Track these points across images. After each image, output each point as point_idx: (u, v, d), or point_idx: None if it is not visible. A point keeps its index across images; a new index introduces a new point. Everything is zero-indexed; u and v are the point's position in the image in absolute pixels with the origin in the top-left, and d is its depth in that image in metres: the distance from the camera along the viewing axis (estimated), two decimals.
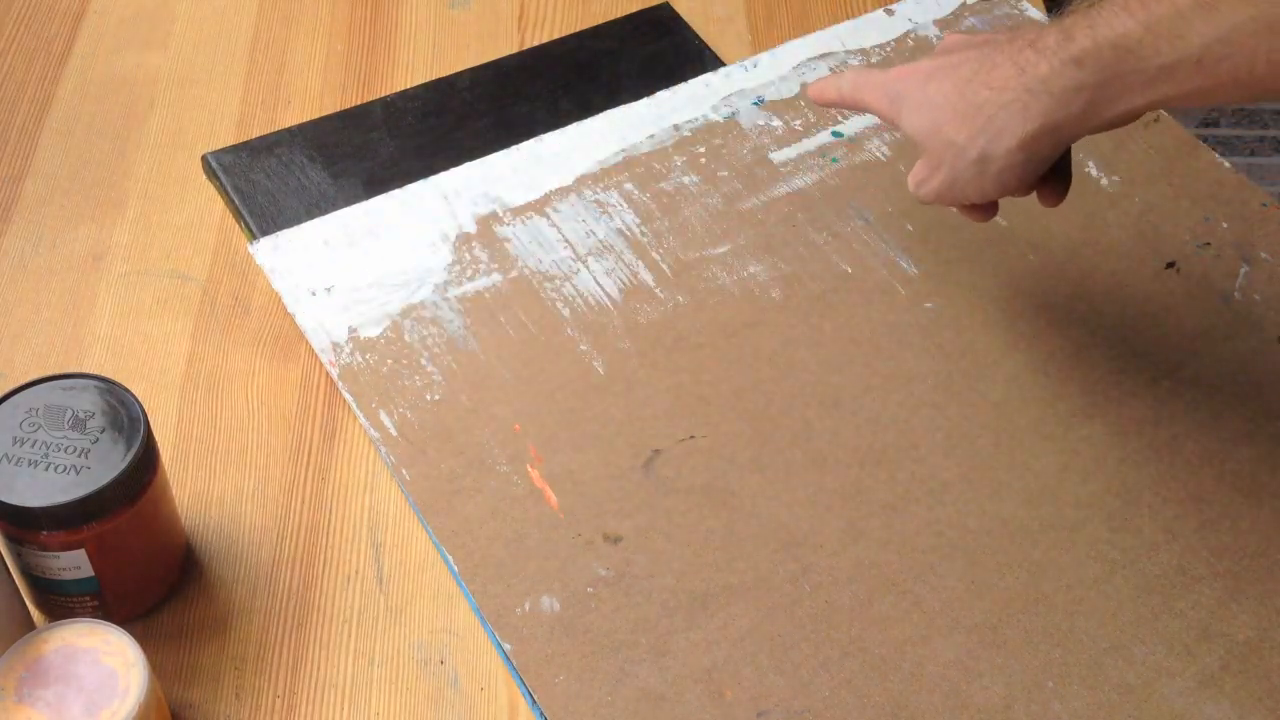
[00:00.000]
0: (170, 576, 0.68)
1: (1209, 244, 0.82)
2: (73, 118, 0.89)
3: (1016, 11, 0.94)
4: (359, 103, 0.90)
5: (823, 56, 0.91)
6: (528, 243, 0.81)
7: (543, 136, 0.86)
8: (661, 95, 0.89)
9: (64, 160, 0.87)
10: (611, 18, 0.95)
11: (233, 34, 0.94)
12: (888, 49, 0.92)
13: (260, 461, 0.73)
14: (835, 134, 0.87)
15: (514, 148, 0.86)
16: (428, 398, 0.74)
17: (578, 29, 0.94)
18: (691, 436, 0.73)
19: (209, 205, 0.85)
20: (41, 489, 0.60)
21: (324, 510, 0.71)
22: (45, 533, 0.61)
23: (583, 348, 0.77)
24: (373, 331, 0.77)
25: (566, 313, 0.78)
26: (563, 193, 0.84)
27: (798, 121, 0.88)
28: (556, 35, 0.94)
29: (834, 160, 0.85)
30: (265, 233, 0.82)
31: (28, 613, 0.64)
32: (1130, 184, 0.85)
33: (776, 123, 0.87)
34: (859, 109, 0.73)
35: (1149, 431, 0.73)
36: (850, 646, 0.66)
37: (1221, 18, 0.57)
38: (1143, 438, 0.73)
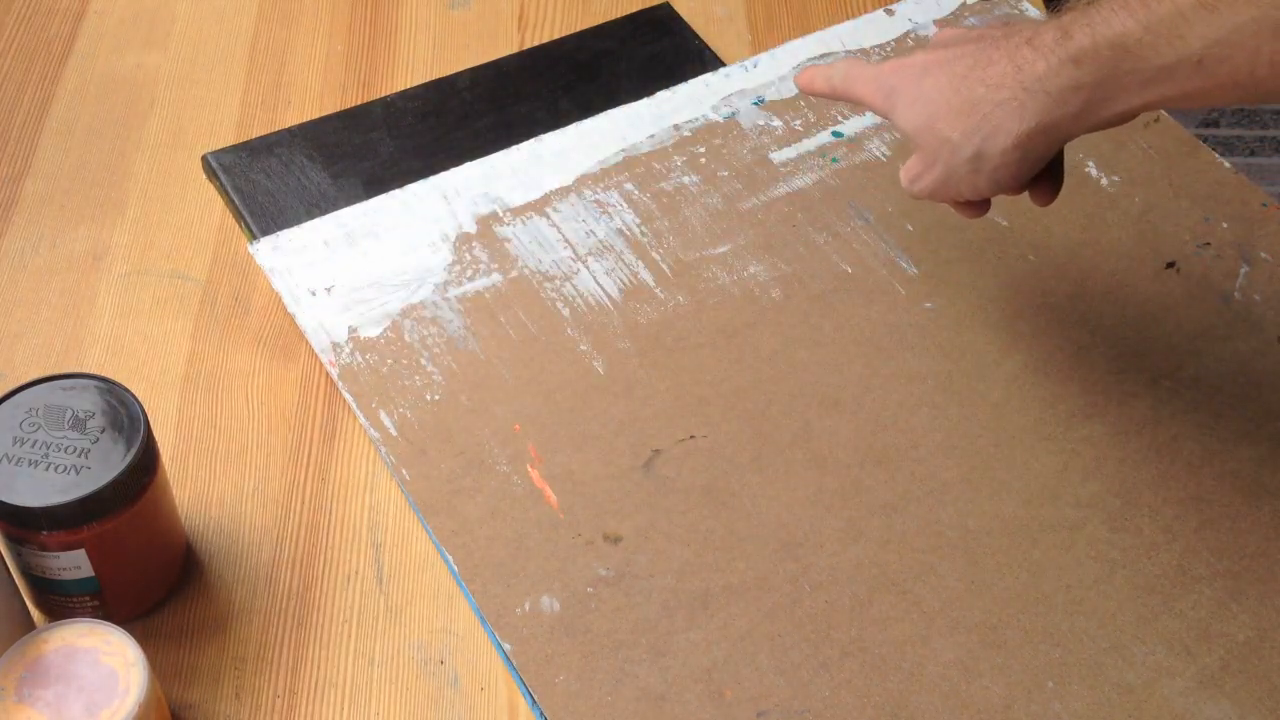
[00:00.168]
0: (170, 576, 0.68)
1: (1209, 244, 0.82)
2: (73, 118, 0.89)
3: (1016, 11, 0.94)
4: (359, 103, 0.90)
5: (823, 56, 0.91)
6: (528, 243, 0.81)
7: (543, 136, 0.86)
8: (661, 95, 0.89)
9: (64, 160, 0.87)
10: (611, 18, 0.95)
11: (233, 34, 0.94)
12: (888, 49, 0.92)
13: (260, 461, 0.73)
14: (835, 134, 0.87)
15: (514, 148, 0.86)
16: (428, 398, 0.74)
17: (578, 29, 0.94)
18: (691, 436, 0.73)
19: (209, 205, 0.85)
20: (41, 489, 0.60)
21: (324, 510, 0.71)
22: (45, 533, 0.61)
23: (583, 348, 0.77)
24: (373, 331, 0.77)
25: (566, 313, 0.78)
26: (563, 193, 0.84)
27: (798, 121, 0.88)
28: (556, 35, 0.94)
29: (834, 160, 0.85)
30: (265, 233, 0.82)
31: (28, 613, 0.64)
32: (1130, 184, 0.85)
33: (776, 123, 0.87)
34: (849, 100, 0.72)
35: (1149, 431, 0.73)
36: (850, 646, 0.66)
37: (1223, 19, 0.56)
38: (1143, 438, 0.73)
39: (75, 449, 0.62)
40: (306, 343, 0.77)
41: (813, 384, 0.75)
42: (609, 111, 0.88)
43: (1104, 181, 0.85)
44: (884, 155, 0.86)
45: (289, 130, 0.87)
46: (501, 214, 0.82)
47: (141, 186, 0.86)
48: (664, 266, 0.80)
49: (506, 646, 0.66)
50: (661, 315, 0.78)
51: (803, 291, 0.79)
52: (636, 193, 0.84)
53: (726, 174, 0.85)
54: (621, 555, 0.69)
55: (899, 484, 0.71)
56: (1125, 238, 0.82)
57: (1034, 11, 0.94)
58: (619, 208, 0.83)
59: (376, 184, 0.84)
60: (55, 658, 0.59)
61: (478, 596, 0.67)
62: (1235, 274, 0.80)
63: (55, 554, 0.62)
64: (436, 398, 0.74)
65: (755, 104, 0.88)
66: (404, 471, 0.71)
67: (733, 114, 0.88)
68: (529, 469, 0.72)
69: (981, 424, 0.74)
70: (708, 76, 0.90)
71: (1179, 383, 0.76)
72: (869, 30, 0.93)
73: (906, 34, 0.93)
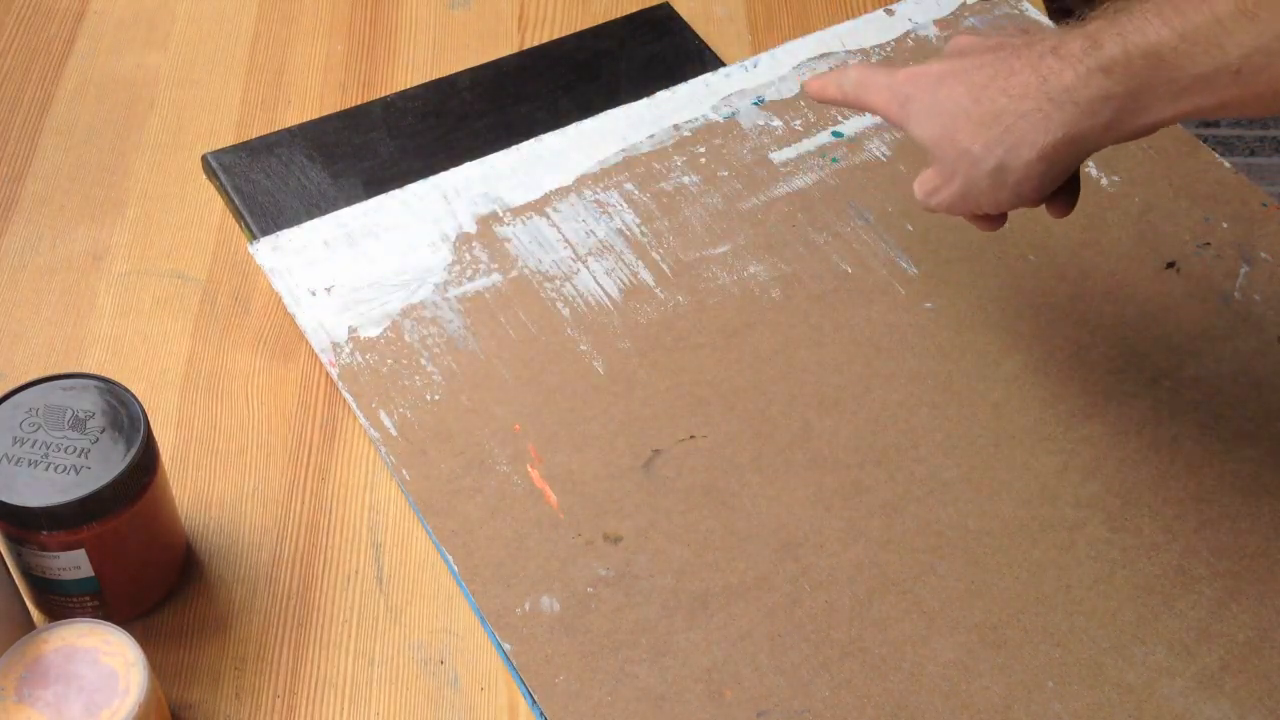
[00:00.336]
0: (170, 576, 0.68)
1: (1209, 244, 0.82)
2: (73, 118, 0.89)
3: (1016, 11, 0.94)
4: (359, 103, 0.90)
5: (823, 56, 0.91)
6: (528, 243, 0.81)
7: (543, 136, 0.86)
8: (661, 95, 0.89)
9: (64, 160, 0.87)
10: (611, 18, 0.95)
11: (233, 34, 0.94)
12: (888, 49, 0.92)
13: (260, 461, 0.73)
14: (835, 134, 0.87)
15: (514, 148, 0.86)
16: (428, 398, 0.74)
17: (578, 29, 0.94)
18: (691, 436, 0.73)
19: (209, 205, 0.85)
20: (41, 489, 0.60)
21: (324, 510, 0.71)
22: (45, 533, 0.61)
23: (583, 348, 0.77)
24: (373, 331, 0.77)
25: (566, 313, 0.78)
26: (563, 193, 0.84)
27: (798, 121, 0.88)
28: (556, 35, 0.94)
29: (834, 160, 0.85)
30: (265, 233, 0.82)
31: (28, 613, 0.64)
32: (1130, 184, 0.85)
33: (776, 123, 0.87)
34: (862, 109, 0.71)
35: (1149, 431, 0.73)
36: (850, 646, 0.66)
37: (1264, 26, 0.55)
38: (1143, 438, 0.73)
39: (75, 449, 0.62)
40: (306, 343, 0.77)
41: (813, 384, 0.75)
42: (609, 111, 0.88)
43: (1104, 181, 0.85)
44: (884, 155, 0.86)
45: (289, 130, 0.87)
46: (501, 214, 0.82)
47: (141, 186, 0.86)
48: (664, 266, 0.80)
49: (506, 646, 0.66)
50: (661, 315, 0.78)
51: (803, 291, 0.79)
52: (636, 193, 0.84)
53: (726, 174, 0.85)
54: (621, 555, 0.69)
55: (899, 484, 0.71)
56: (1125, 238, 0.82)
57: (1034, 11, 0.94)
58: (619, 208, 0.83)
59: (376, 184, 0.84)
60: (55, 658, 0.59)
61: (478, 596, 0.67)
62: (1235, 274, 0.80)
63: (55, 554, 0.62)
64: (436, 398, 0.74)
65: (755, 104, 0.88)
66: (404, 471, 0.71)
67: (733, 114, 0.88)
68: (529, 469, 0.72)
69: (981, 424, 0.74)
70: (708, 76, 0.90)
71: (1179, 383, 0.76)
72: (869, 30, 0.93)
73: (906, 34, 0.93)
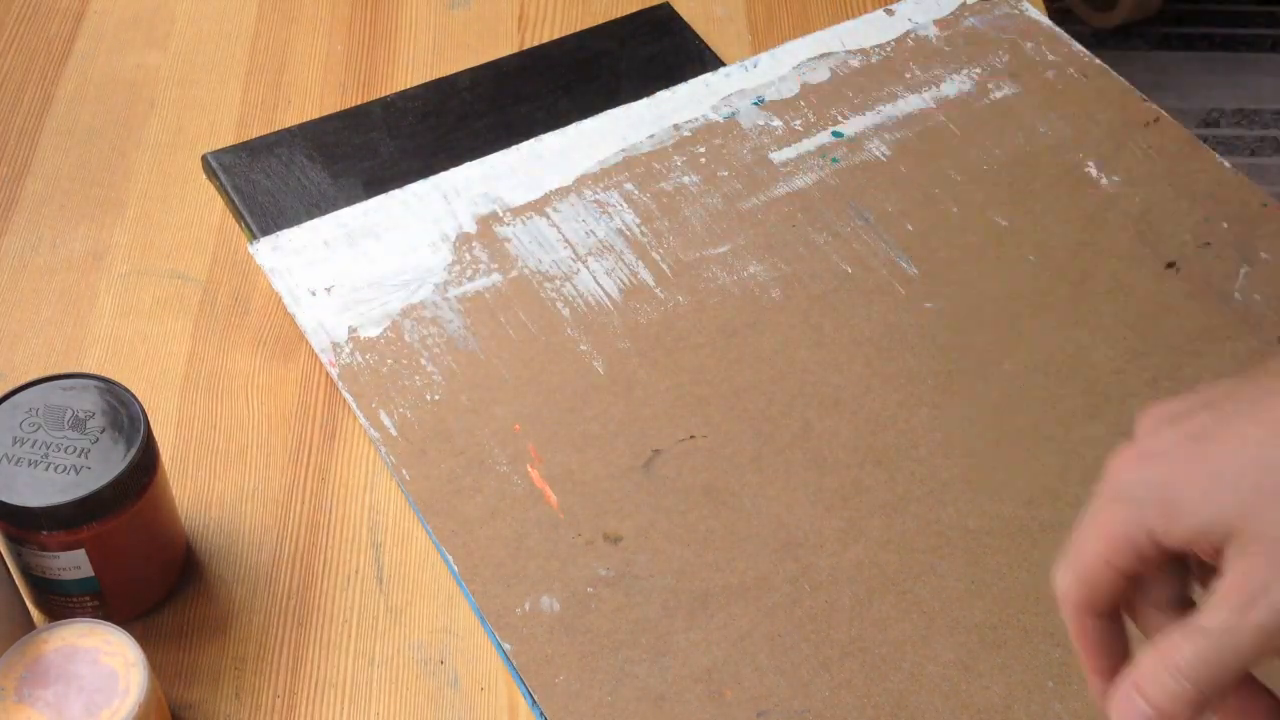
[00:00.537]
0: (170, 576, 0.68)
1: (1209, 244, 0.82)
2: (73, 118, 0.89)
3: (1016, 12, 0.94)
4: (359, 103, 0.90)
5: (823, 56, 0.91)
6: (528, 243, 0.81)
7: (543, 136, 0.86)
8: (661, 95, 0.89)
9: (64, 160, 0.87)
10: (611, 18, 0.95)
11: (233, 34, 0.94)
12: (888, 49, 0.92)
13: (260, 461, 0.73)
14: (835, 134, 0.87)
15: (514, 148, 0.86)
16: (428, 398, 0.74)
17: (578, 29, 0.94)
18: (691, 436, 0.73)
19: (209, 205, 0.85)
20: (41, 489, 0.60)
21: (324, 510, 0.71)
22: (45, 533, 0.61)
23: (583, 348, 0.77)
24: (373, 331, 0.77)
25: (566, 313, 0.78)
26: (563, 193, 0.84)
27: (798, 121, 0.88)
28: (556, 35, 0.94)
29: (834, 160, 0.85)
30: (265, 233, 0.82)
31: (28, 613, 0.64)
32: (1130, 184, 0.85)
33: (776, 123, 0.87)
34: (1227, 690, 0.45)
35: None
36: (850, 646, 0.66)
37: None
38: None
39: (75, 449, 0.62)
40: (306, 343, 0.77)
41: (813, 384, 0.75)
42: (609, 111, 0.88)
43: (1104, 181, 0.85)
44: (884, 155, 0.86)
45: (289, 130, 0.87)
46: (501, 214, 0.82)
47: (141, 186, 0.86)
48: (664, 266, 0.80)
49: (506, 646, 0.66)
50: (661, 315, 0.78)
51: (803, 291, 0.79)
52: (636, 193, 0.84)
53: (726, 174, 0.85)
54: (621, 555, 0.69)
55: (899, 484, 0.71)
56: (1125, 238, 0.82)
57: (1034, 12, 0.94)
58: (619, 208, 0.83)
59: (376, 184, 0.85)
60: (55, 658, 0.59)
61: (478, 596, 0.67)
62: (1235, 274, 0.80)
63: (55, 554, 0.62)
64: (436, 398, 0.74)
65: (755, 104, 0.88)
66: (404, 471, 0.71)
67: (733, 114, 0.88)
68: (529, 469, 0.72)
69: (981, 424, 0.74)
70: (708, 76, 0.90)
71: (1179, 383, 0.76)
72: (869, 30, 0.93)
73: (906, 34, 0.93)
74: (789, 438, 0.73)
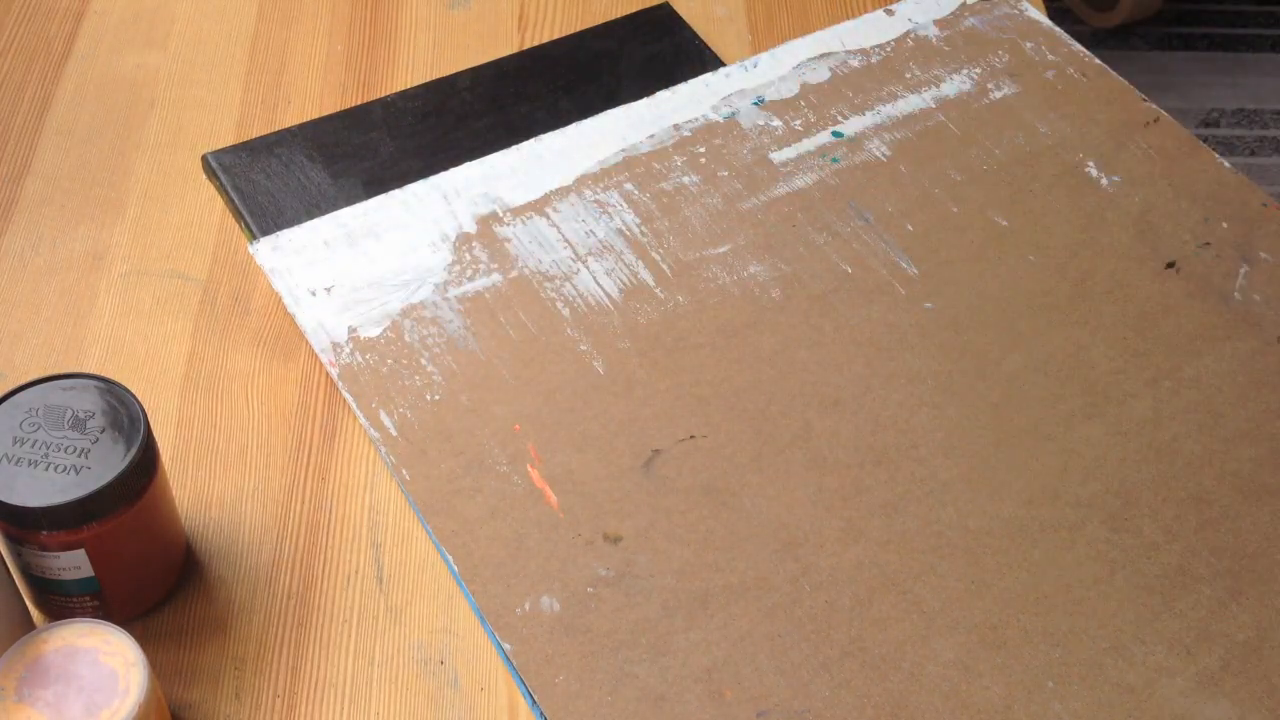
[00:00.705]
0: (170, 576, 0.68)
1: (1209, 244, 0.82)
2: (73, 118, 0.89)
3: (1016, 12, 0.94)
4: (359, 103, 0.90)
5: (823, 56, 0.91)
6: (528, 243, 0.81)
7: (543, 136, 0.86)
8: (661, 95, 0.89)
9: (64, 160, 0.87)
10: (611, 18, 0.95)
11: (233, 34, 0.94)
12: (888, 49, 0.92)
13: (260, 461, 0.73)
14: (835, 134, 0.87)
15: (514, 148, 0.86)
16: (428, 398, 0.74)
17: (578, 29, 0.94)
18: (691, 436, 0.73)
19: (209, 205, 0.85)
20: (41, 489, 0.60)
21: (324, 510, 0.71)
22: (45, 533, 0.61)
23: (583, 348, 0.77)
24: (373, 331, 0.77)
25: (566, 313, 0.78)
26: (563, 193, 0.84)
27: (798, 121, 0.88)
28: (556, 35, 0.94)
29: (834, 160, 0.85)
30: (265, 233, 0.82)
31: (28, 613, 0.64)
32: (1130, 184, 0.85)
33: (776, 123, 0.87)
34: None
35: (1149, 431, 0.73)
36: (850, 646, 0.66)
37: None
38: (1143, 438, 0.73)
39: (75, 449, 0.62)
40: (306, 343, 0.78)
41: (813, 384, 0.75)
42: (609, 111, 0.88)
43: (1104, 181, 0.85)
44: (884, 155, 0.86)
45: (289, 130, 0.87)
46: (501, 214, 0.82)
47: (141, 186, 0.86)
48: (664, 266, 0.80)
49: (506, 646, 0.66)
50: (661, 315, 0.78)
51: (803, 291, 0.79)
52: (636, 193, 0.84)
53: (726, 174, 0.85)
54: (621, 555, 0.69)
55: (899, 484, 0.71)
56: (1125, 238, 0.82)
57: (1034, 12, 0.94)
58: (619, 208, 0.83)
59: (376, 184, 0.85)
60: (55, 658, 0.59)
61: (478, 596, 0.67)
62: (1235, 274, 0.80)
63: (55, 554, 0.62)
64: (436, 398, 0.74)
65: (755, 104, 0.88)
66: (404, 471, 0.71)
67: (733, 114, 0.88)
68: (529, 469, 0.72)
69: (981, 424, 0.74)
70: (708, 76, 0.90)
71: (1179, 383, 0.76)
72: (869, 30, 0.93)
73: (906, 34, 0.93)
74: (789, 438, 0.73)
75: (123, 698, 0.58)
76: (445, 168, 0.85)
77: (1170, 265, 0.81)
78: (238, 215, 0.83)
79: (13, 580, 0.63)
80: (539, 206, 0.83)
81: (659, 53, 0.93)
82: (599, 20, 0.95)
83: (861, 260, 0.81)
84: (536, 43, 0.94)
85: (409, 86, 0.91)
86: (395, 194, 0.83)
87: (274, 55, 0.93)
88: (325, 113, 0.89)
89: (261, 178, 0.85)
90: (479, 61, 0.92)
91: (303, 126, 0.88)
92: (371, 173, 0.85)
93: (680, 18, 0.95)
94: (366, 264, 0.80)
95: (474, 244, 0.81)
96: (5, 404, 0.63)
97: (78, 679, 0.59)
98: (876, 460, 0.72)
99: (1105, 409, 0.74)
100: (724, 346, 0.77)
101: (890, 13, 0.94)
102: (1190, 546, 0.69)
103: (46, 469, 0.61)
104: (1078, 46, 0.92)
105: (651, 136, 0.87)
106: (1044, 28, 0.93)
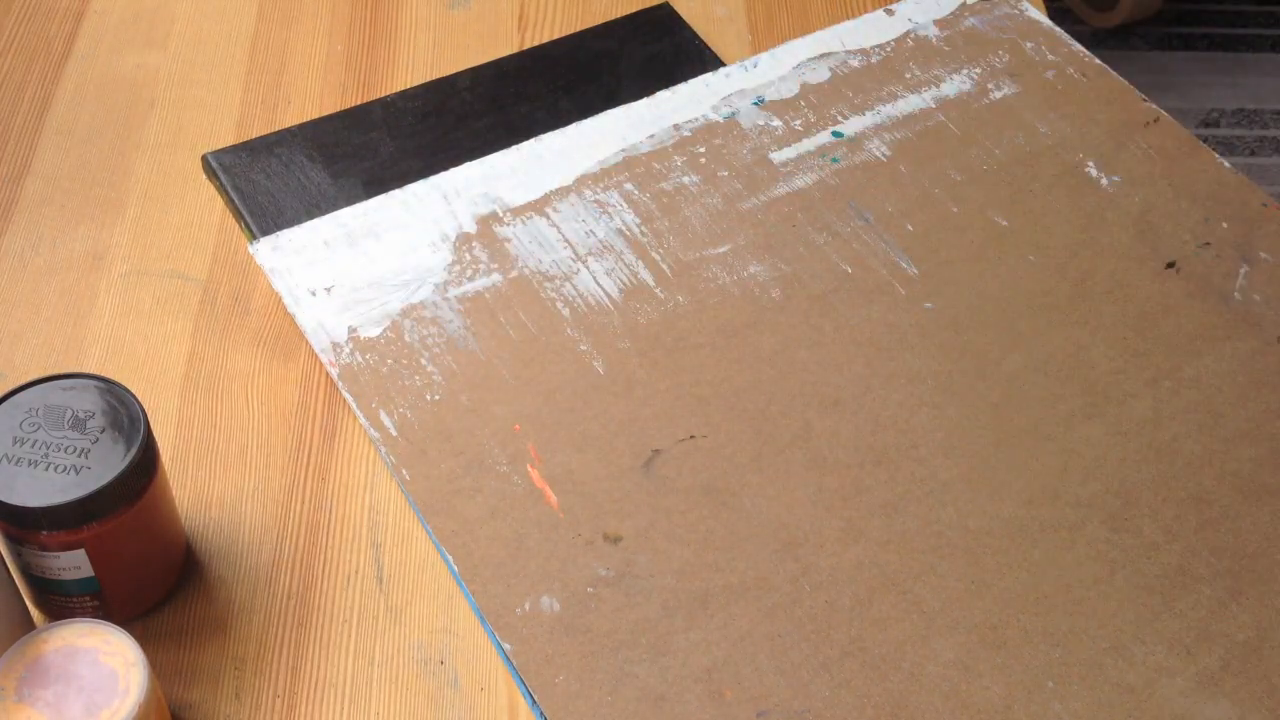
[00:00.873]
0: (170, 576, 0.68)
1: (1209, 244, 0.82)
2: (73, 118, 0.89)
3: (1016, 12, 0.94)
4: (359, 103, 0.90)
5: (823, 56, 0.91)
6: (528, 243, 0.81)
7: (543, 136, 0.86)
8: (661, 95, 0.89)
9: (64, 160, 0.87)
10: (611, 18, 0.95)
11: (233, 34, 0.94)
12: (888, 49, 0.92)
13: (260, 461, 0.73)
14: (835, 134, 0.87)
15: (514, 148, 0.86)
16: (428, 398, 0.74)
17: (578, 29, 0.94)
18: (691, 436, 0.73)
19: (209, 205, 0.85)
20: (41, 489, 0.60)
21: (324, 510, 0.71)
22: (45, 533, 0.61)
23: (583, 348, 0.77)
24: (373, 331, 0.77)
25: (566, 313, 0.78)
26: (563, 193, 0.84)
27: (798, 121, 0.88)
28: (556, 35, 0.94)
29: (834, 160, 0.85)
30: (265, 233, 0.82)
31: (28, 613, 0.64)
32: (1130, 184, 0.85)
33: (776, 123, 0.87)
34: None
35: (1149, 431, 0.73)
36: (850, 646, 0.66)
37: None
38: (1143, 438, 0.73)
39: (75, 449, 0.62)
40: (306, 343, 0.78)
41: (813, 384, 0.75)
42: (609, 111, 0.88)
43: (1104, 181, 0.85)
44: (884, 155, 0.86)
45: (289, 130, 0.87)
46: (501, 214, 0.82)
47: (141, 186, 0.86)
48: (664, 266, 0.80)
49: (506, 646, 0.66)
50: (661, 315, 0.78)
51: (803, 291, 0.79)
52: (636, 193, 0.84)
53: (726, 174, 0.85)
54: (621, 555, 0.69)
55: (899, 484, 0.71)
56: (1125, 238, 0.82)
57: (1034, 12, 0.94)
58: (619, 208, 0.83)
59: (376, 184, 0.85)
60: (55, 658, 0.59)
61: (478, 596, 0.67)
62: (1235, 274, 0.80)
63: (55, 554, 0.62)
64: (436, 398, 0.74)
65: (755, 104, 0.88)
66: (404, 471, 0.71)
67: (733, 114, 0.88)
68: (529, 469, 0.72)
69: (981, 424, 0.74)
70: (708, 76, 0.90)
71: (1179, 383, 0.76)
72: (869, 30, 0.93)
73: (906, 34, 0.93)
74: (789, 438, 0.73)
75: (123, 698, 0.58)
76: (445, 168, 0.85)
77: (1170, 265, 0.81)
78: (238, 215, 0.83)
79: (13, 580, 0.63)
80: (539, 206, 0.83)
81: (659, 53, 0.93)
82: (599, 20, 0.95)
83: (861, 260, 0.81)
84: (536, 43, 0.94)
85: (409, 86, 0.91)
86: (395, 194, 0.83)
87: (274, 55, 0.93)
88: (325, 113, 0.89)
89: (261, 178, 0.85)
90: (479, 61, 0.92)
91: (303, 126, 0.88)
92: (371, 173, 0.85)
93: (680, 18, 0.95)
94: (366, 264, 0.80)
95: (474, 244, 0.81)
96: (5, 404, 0.63)
97: (78, 679, 0.59)
98: (876, 460, 0.72)
99: (1105, 409, 0.74)
100: (724, 346, 0.77)
101: (890, 13, 0.94)
102: (1190, 546, 0.69)
103: (46, 469, 0.61)
104: (1078, 46, 0.92)
105: (651, 136, 0.87)
106: (1044, 28, 0.93)
